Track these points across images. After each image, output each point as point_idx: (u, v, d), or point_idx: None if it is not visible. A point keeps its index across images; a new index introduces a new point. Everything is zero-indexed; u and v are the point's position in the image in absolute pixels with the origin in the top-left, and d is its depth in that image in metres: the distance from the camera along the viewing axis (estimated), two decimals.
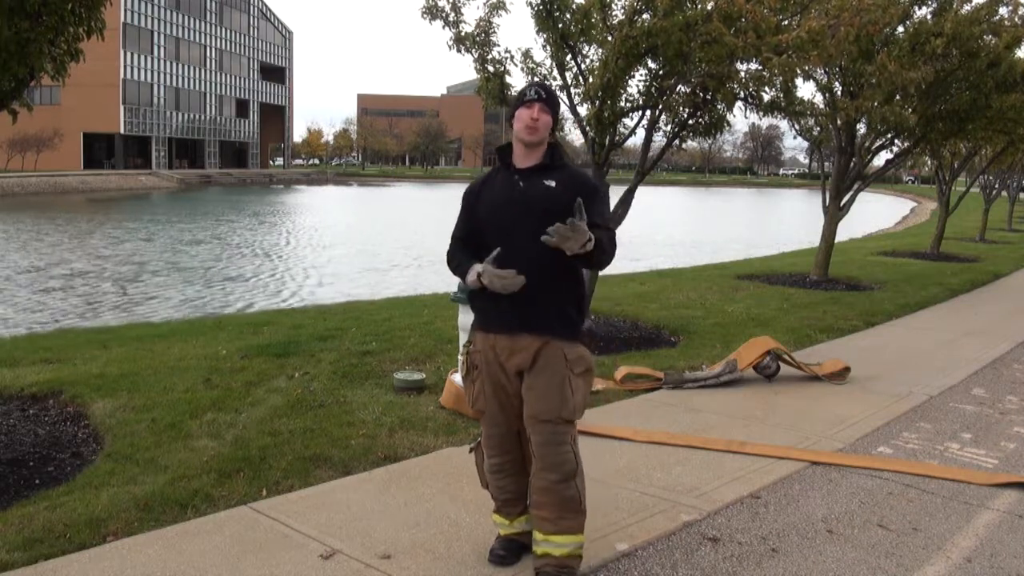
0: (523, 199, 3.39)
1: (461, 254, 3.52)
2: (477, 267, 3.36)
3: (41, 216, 38.72)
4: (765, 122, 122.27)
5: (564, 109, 8.00)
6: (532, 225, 3.25)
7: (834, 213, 13.40)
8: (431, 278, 18.32)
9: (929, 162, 21.04)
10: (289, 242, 30.21)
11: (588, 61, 8.22)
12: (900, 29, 11.96)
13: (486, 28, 8.01)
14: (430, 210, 48.19)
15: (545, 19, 7.86)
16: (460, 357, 3.83)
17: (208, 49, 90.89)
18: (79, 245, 26.79)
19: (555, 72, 8.27)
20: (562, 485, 3.38)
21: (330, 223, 38.66)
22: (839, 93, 12.54)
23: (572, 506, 3.40)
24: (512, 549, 3.60)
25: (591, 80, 7.76)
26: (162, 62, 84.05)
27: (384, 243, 29.20)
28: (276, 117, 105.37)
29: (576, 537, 3.43)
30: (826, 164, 14.96)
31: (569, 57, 8.16)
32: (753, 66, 7.94)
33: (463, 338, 5.87)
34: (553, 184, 3.39)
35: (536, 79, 8.22)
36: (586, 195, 3.32)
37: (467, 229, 3.55)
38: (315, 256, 25.82)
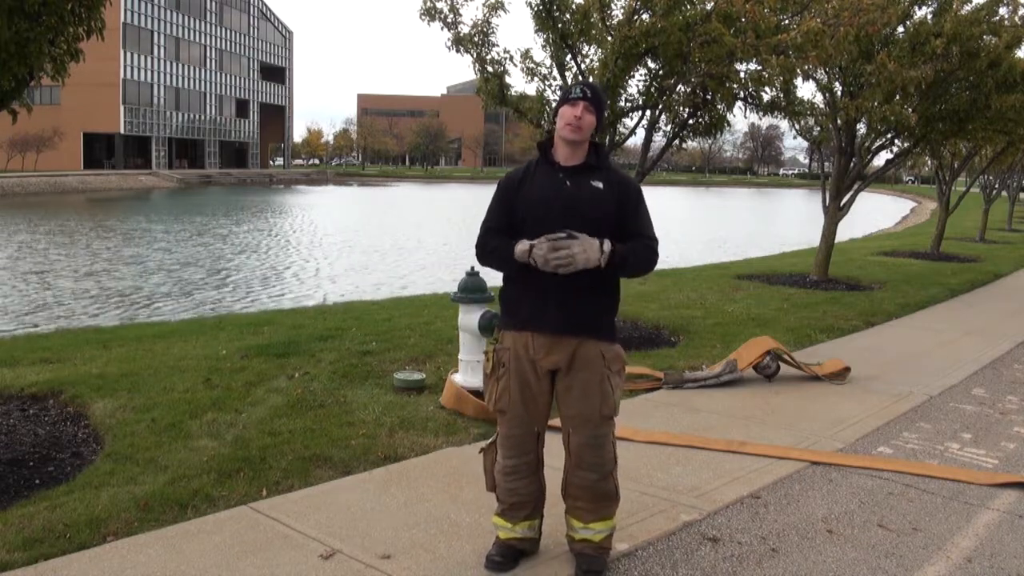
0: (571, 199, 3.36)
1: (497, 239, 3.43)
2: (527, 240, 3.29)
3: (75, 218, 38.19)
4: (765, 122, 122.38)
5: None
6: (577, 225, 3.28)
7: (834, 213, 13.39)
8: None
9: (929, 162, 21.01)
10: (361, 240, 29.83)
11: (588, 61, 8.22)
12: (900, 29, 11.97)
13: (484, 29, 8.01)
14: (443, 209, 47.96)
15: (545, 19, 7.87)
16: (482, 354, 3.79)
17: (208, 49, 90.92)
18: (150, 252, 25.78)
19: (555, 72, 8.27)
20: (601, 482, 3.50)
21: (382, 224, 38.15)
22: (839, 93, 12.54)
23: (609, 497, 3.54)
24: (509, 556, 3.57)
25: (591, 80, 7.76)
26: (162, 62, 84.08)
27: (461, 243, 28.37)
28: (276, 117, 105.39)
29: (611, 522, 3.58)
30: (826, 164, 14.95)
31: (569, 57, 8.16)
32: (752, 66, 7.95)
33: (463, 338, 5.87)
34: (601, 186, 3.40)
35: (537, 79, 8.22)
36: (630, 200, 3.43)
37: (502, 221, 3.45)
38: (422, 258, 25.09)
